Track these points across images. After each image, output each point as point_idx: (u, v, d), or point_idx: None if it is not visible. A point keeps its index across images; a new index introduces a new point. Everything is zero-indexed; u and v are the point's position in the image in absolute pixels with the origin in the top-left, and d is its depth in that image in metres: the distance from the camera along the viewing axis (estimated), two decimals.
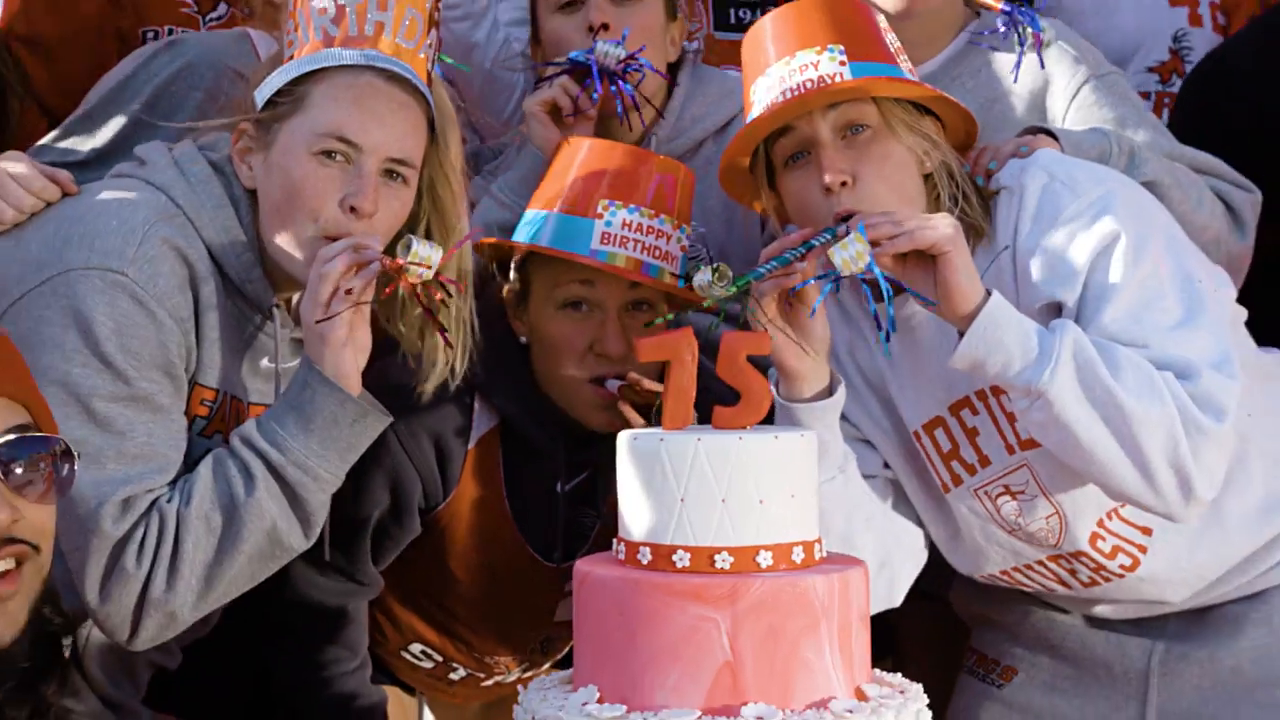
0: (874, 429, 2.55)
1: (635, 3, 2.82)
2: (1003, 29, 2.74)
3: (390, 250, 2.23)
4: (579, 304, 2.51)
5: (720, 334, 2.02)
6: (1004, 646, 2.72)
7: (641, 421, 2.43)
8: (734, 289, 2.21)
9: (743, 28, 3.33)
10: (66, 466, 1.89)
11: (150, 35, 3.08)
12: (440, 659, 2.84)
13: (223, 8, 3.14)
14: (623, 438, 1.99)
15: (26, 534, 1.84)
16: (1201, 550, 2.46)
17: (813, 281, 2.18)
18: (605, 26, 2.73)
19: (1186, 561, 2.48)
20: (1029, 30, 2.70)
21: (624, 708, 1.94)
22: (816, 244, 2.18)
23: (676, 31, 2.91)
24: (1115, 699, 2.59)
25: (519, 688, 2.09)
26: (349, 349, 2.25)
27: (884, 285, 2.14)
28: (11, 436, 1.83)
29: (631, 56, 2.70)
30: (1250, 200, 2.74)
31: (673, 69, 2.91)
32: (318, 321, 2.21)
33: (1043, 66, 2.68)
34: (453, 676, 2.88)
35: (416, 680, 2.92)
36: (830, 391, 2.31)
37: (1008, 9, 2.71)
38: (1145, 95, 3.35)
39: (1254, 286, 2.70)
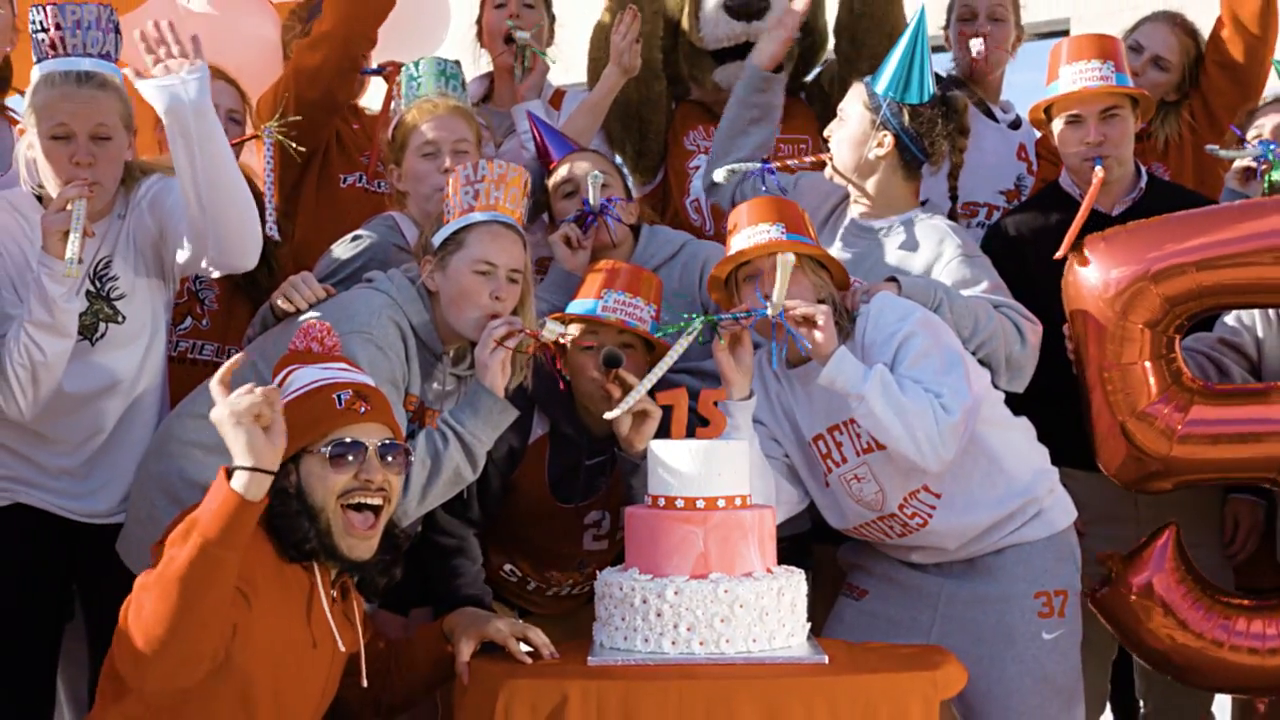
0: (783, 437, 3.58)
1: (610, 188, 3.99)
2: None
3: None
4: (591, 346, 3.58)
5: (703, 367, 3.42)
6: (862, 578, 3.71)
7: (619, 393, 3.43)
8: (710, 320, 3.40)
9: None
10: (406, 457, 2.97)
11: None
12: (520, 575, 3.85)
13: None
14: (654, 444, 3.14)
15: (388, 489, 2.89)
16: (964, 519, 3.48)
17: (746, 326, 3.39)
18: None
19: (955, 524, 3.48)
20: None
21: (651, 575, 3.03)
22: (749, 314, 3.39)
23: (634, 208, 4.11)
24: (920, 608, 3.60)
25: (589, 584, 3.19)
26: (499, 374, 3.34)
27: (785, 323, 3.30)
28: (386, 442, 2.90)
29: (608, 200, 3.94)
30: (1031, 327, 3.66)
31: (637, 229, 4.09)
32: (484, 360, 3.32)
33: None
34: (528, 588, 3.87)
35: (508, 591, 3.88)
36: (749, 397, 3.44)
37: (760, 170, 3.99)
38: (996, 207, 4.39)
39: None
